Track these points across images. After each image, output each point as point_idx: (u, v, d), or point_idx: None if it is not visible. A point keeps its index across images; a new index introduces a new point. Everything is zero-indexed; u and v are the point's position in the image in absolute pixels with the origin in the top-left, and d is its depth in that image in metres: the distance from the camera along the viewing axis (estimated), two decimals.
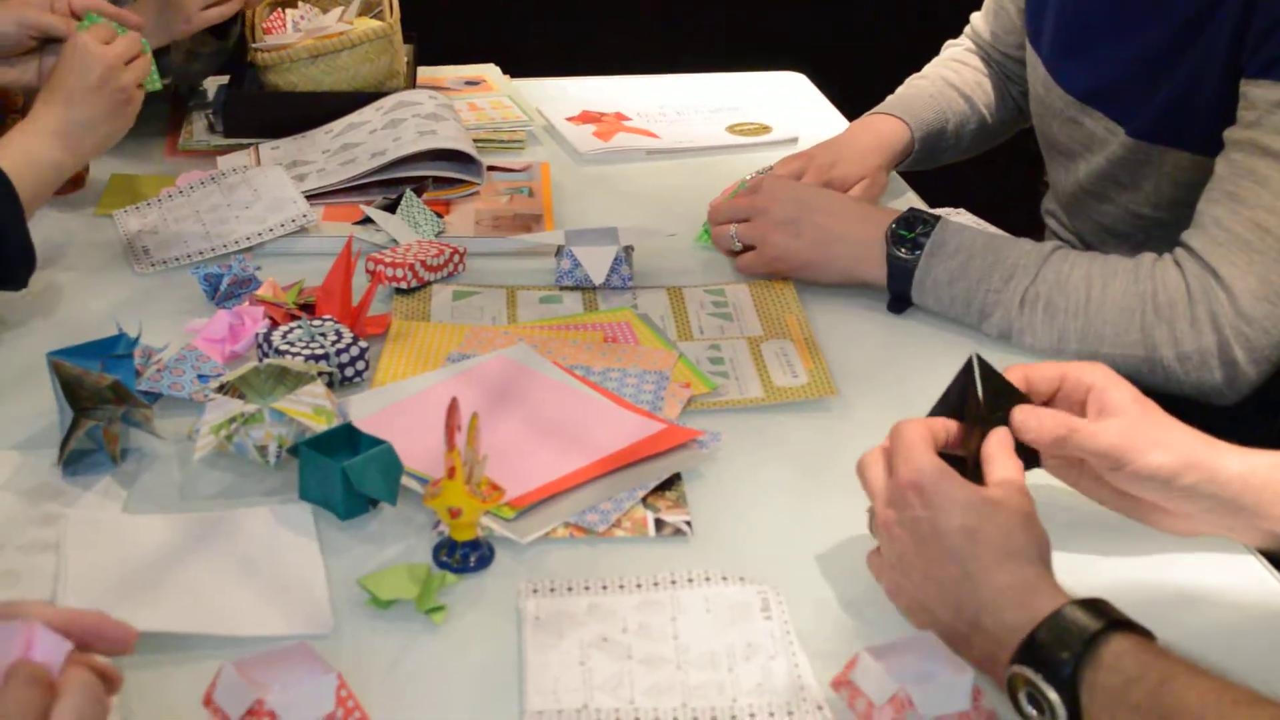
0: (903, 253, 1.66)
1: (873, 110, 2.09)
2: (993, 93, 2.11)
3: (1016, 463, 1.19)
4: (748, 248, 1.79)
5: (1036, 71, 1.90)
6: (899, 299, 1.70)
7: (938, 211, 1.87)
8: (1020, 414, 1.22)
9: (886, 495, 1.19)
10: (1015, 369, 1.26)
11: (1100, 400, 1.23)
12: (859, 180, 1.95)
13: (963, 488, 1.14)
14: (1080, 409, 1.24)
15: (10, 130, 1.66)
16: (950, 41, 2.21)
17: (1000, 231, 1.79)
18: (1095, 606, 1.05)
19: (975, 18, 2.17)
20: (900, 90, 2.13)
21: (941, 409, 1.23)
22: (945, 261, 1.64)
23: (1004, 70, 2.12)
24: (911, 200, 2.05)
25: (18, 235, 1.59)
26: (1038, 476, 1.26)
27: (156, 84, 1.80)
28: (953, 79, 2.11)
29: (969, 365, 1.22)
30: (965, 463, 1.20)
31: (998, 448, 1.20)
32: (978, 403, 1.22)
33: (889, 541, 1.19)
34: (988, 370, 1.23)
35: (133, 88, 1.73)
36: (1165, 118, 1.70)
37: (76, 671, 0.88)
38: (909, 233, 1.67)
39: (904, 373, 1.59)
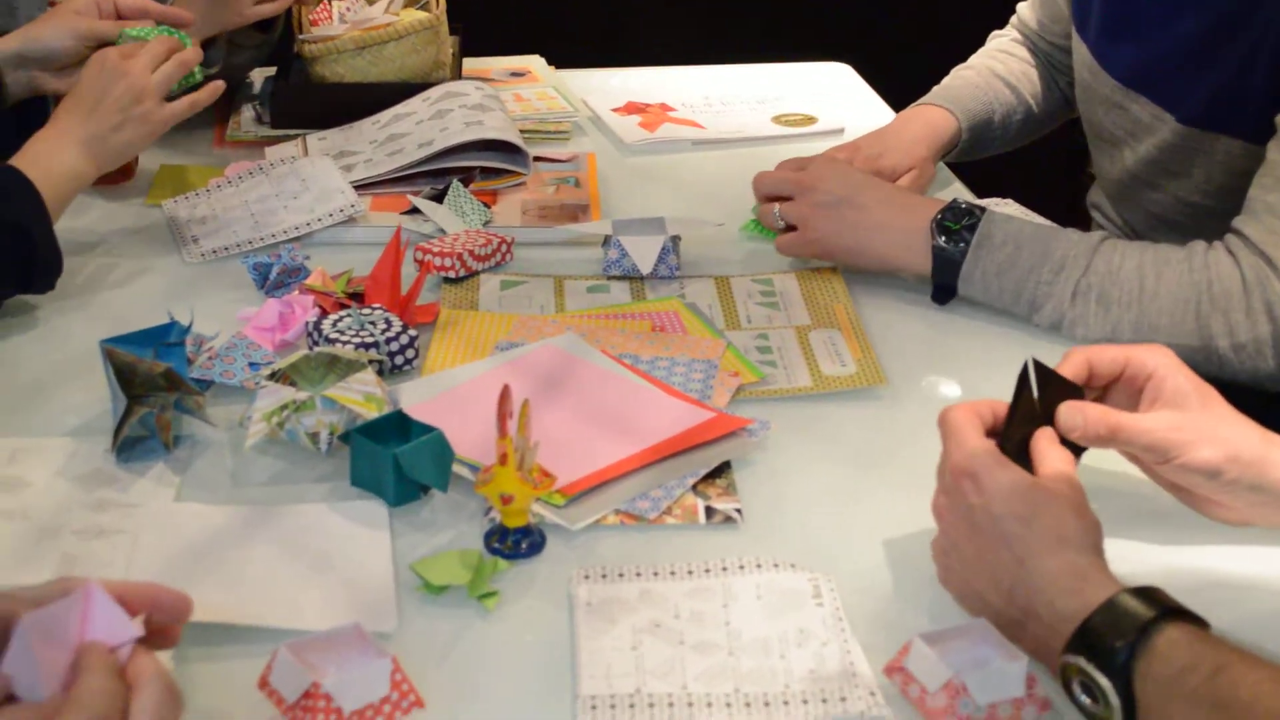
0: (948, 245, 1.66)
1: (919, 101, 2.09)
2: (1039, 83, 2.11)
3: (1066, 454, 1.19)
4: (790, 226, 1.79)
5: (1083, 58, 1.89)
6: (943, 290, 1.69)
7: (985, 202, 1.87)
8: (1066, 411, 1.21)
9: (941, 481, 1.19)
10: (1077, 352, 1.26)
11: (1157, 388, 1.23)
12: (907, 171, 1.95)
13: (1015, 474, 1.14)
14: (1139, 395, 1.24)
15: (34, 138, 1.67)
16: (996, 32, 2.21)
17: (1045, 221, 1.78)
18: (1149, 594, 1.04)
19: (1022, 8, 2.17)
20: (946, 81, 2.12)
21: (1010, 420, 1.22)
22: (993, 253, 1.63)
23: (1051, 60, 2.11)
24: (958, 191, 2.05)
25: (46, 243, 1.61)
26: (1094, 459, 1.26)
27: (196, 77, 1.80)
28: (999, 69, 2.10)
29: (1025, 371, 1.22)
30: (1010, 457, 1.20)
31: (1047, 443, 1.19)
32: (1032, 404, 1.21)
33: (942, 526, 1.19)
34: (1044, 372, 1.22)
35: (156, 102, 1.73)
36: (1215, 104, 1.69)
37: (148, 662, 0.88)
38: (954, 224, 1.66)
39: (953, 362, 1.58)
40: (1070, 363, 1.25)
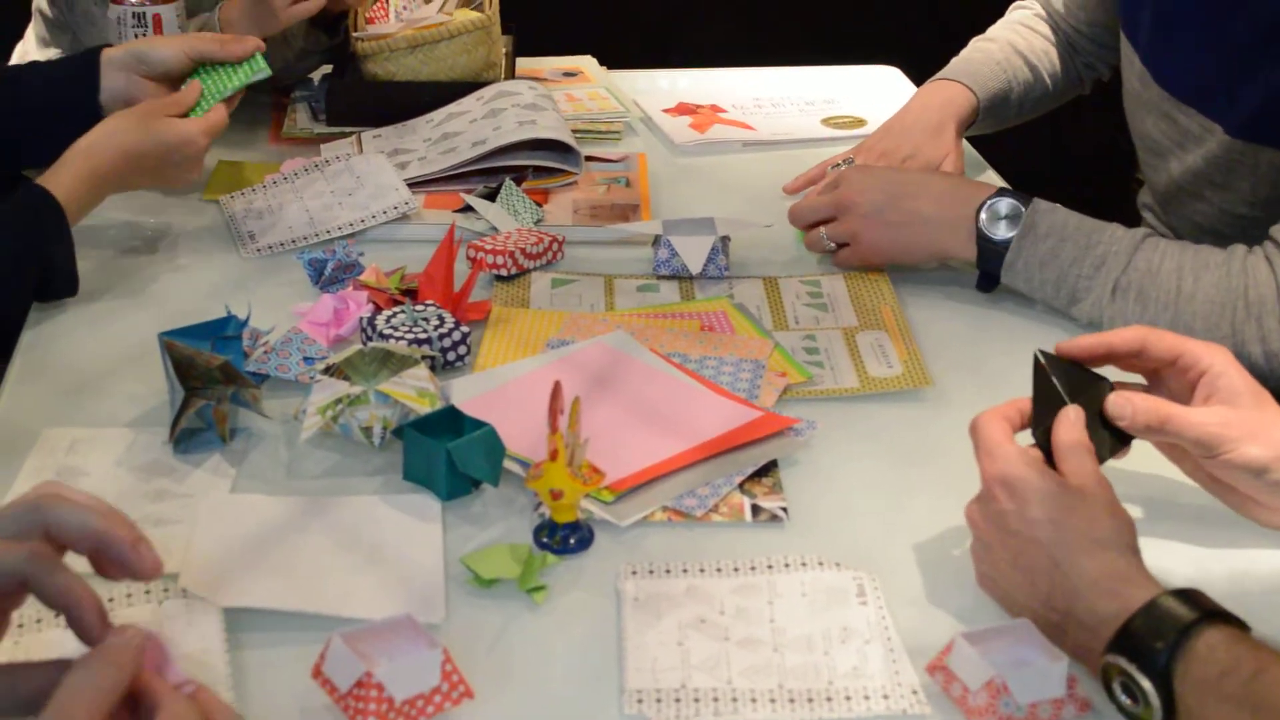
0: (994, 234, 1.67)
1: (938, 75, 2.10)
2: (1058, 62, 2.12)
3: (1090, 449, 1.19)
4: (841, 245, 1.80)
5: (1133, 66, 1.88)
6: (987, 278, 1.71)
7: None
8: (1116, 399, 1.22)
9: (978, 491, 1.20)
10: (1136, 329, 1.27)
11: (1212, 384, 1.23)
12: (942, 160, 1.97)
13: (1046, 477, 1.15)
14: (1190, 388, 1.25)
15: (82, 168, 1.68)
16: (1018, 4, 2.21)
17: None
18: (1189, 596, 1.05)
19: None
20: (966, 53, 2.14)
21: (1035, 413, 1.24)
22: (1036, 245, 1.64)
23: (1071, 42, 2.12)
24: (991, 179, 2.06)
25: (66, 267, 1.65)
26: (1134, 461, 1.27)
27: (265, 70, 1.83)
28: (1020, 45, 2.11)
29: (1036, 363, 1.23)
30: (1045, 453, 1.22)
31: (1068, 435, 1.20)
32: (1056, 391, 1.22)
33: (976, 533, 1.20)
34: (1055, 362, 1.24)
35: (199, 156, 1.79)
36: (1264, 117, 1.69)
37: (208, 690, 0.89)
38: (999, 214, 1.67)
39: (998, 364, 1.59)
40: (1121, 337, 1.26)
